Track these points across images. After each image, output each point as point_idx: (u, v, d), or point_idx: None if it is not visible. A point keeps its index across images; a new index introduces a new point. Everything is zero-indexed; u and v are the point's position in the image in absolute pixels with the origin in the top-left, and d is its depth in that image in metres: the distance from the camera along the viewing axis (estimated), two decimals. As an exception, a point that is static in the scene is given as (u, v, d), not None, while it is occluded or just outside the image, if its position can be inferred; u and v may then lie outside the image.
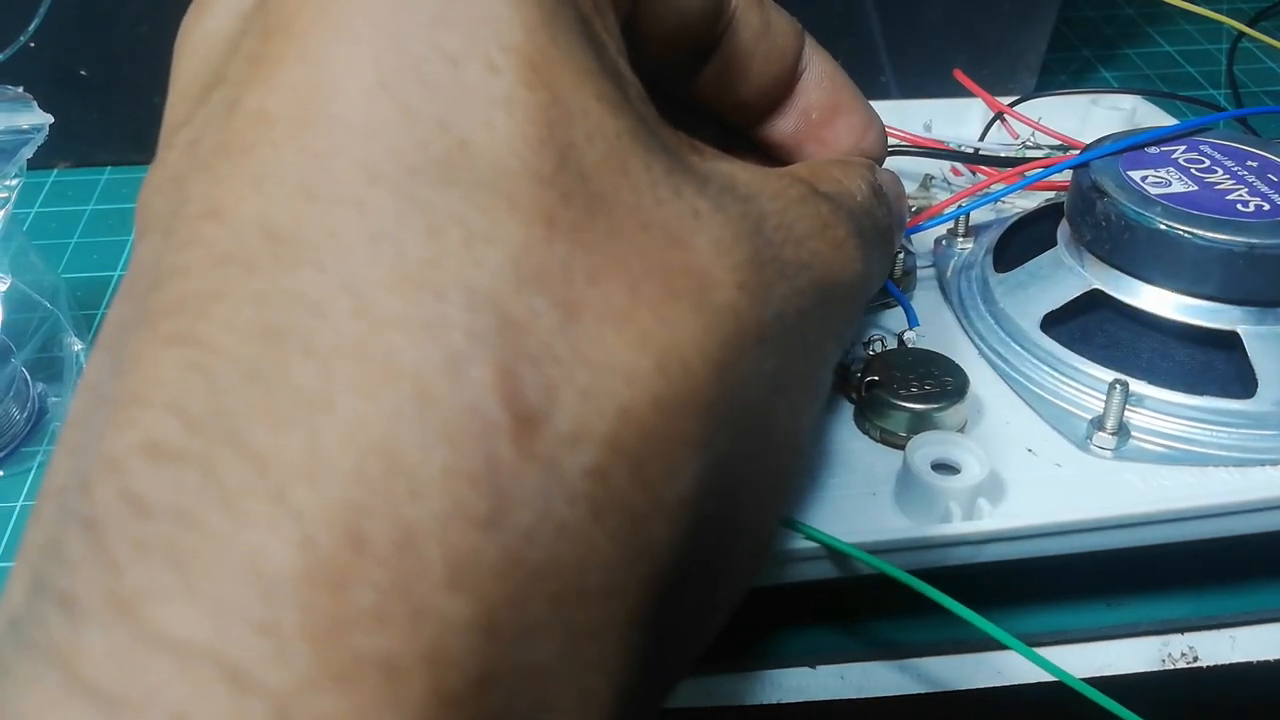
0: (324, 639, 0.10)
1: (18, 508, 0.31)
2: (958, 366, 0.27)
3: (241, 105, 0.13)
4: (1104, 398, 0.26)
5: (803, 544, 0.23)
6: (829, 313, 0.18)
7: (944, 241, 0.34)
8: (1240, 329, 0.27)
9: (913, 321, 0.30)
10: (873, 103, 0.25)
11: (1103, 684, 0.22)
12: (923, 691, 0.26)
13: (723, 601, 0.16)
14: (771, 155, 0.25)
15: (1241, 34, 0.43)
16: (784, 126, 0.24)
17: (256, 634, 0.10)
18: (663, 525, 0.13)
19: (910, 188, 0.36)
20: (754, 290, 0.15)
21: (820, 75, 0.23)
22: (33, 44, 0.41)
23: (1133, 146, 0.30)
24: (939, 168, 0.38)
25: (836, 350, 0.19)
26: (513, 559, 0.11)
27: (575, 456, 0.12)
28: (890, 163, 0.31)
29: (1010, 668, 0.26)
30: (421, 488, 0.11)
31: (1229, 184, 0.28)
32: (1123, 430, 0.26)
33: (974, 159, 0.37)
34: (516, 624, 0.11)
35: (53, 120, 0.33)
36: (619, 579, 0.13)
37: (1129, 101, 0.40)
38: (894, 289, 0.30)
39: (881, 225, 0.22)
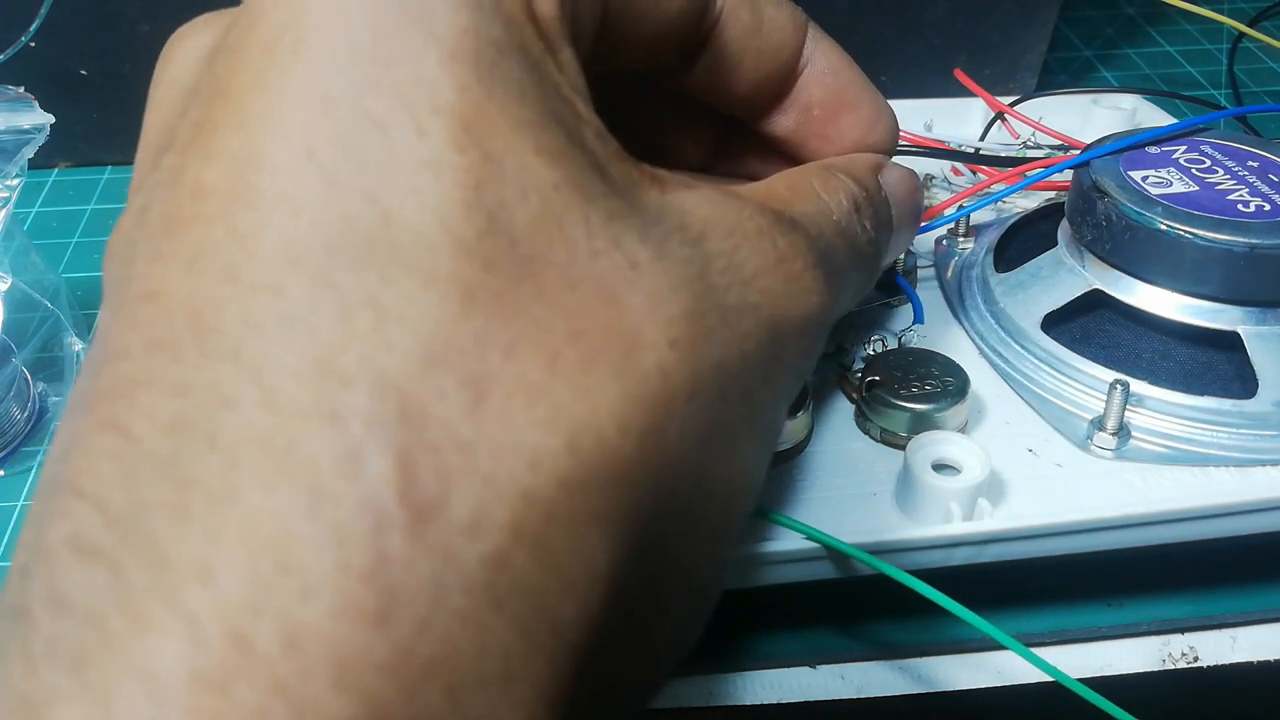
0: None
1: (18, 508, 0.31)
2: (958, 366, 0.27)
3: (184, 176, 0.13)
4: (1104, 398, 0.26)
5: (803, 544, 0.23)
6: (780, 350, 0.17)
7: (945, 241, 0.34)
8: (1241, 329, 0.27)
9: (918, 317, 0.30)
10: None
11: (1103, 684, 0.22)
12: (923, 691, 0.26)
13: (668, 647, 0.16)
14: (776, 149, 0.24)
15: (1242, 34, 0.43)
16: (785, 123, 0.23)
17: None
18: (572, 605, 0.13)
19: (911, 188, 0.36)
20: (688, 345, 0.14)
21: (824, 71, 0.22)
22: (33, 44, 0.41)
23: (1133, 146, 0.30)
24: (939, 168, 0.38)
25: (792, 383, 0.19)
26: (404, 653, 0.11)
27: (473, 545, 0.12)
28: (891, 163, 0.31)
29: (1010, 668, 0.26)
30: (312, 585, 0.11)
31: (1229, 184, 0.28)
32: (1123, 430, 0.26)
33: (974, 159, 0.37)
34: (407, 718, 0.11)
35: (53, 120, 0.33)
36: (523, 665, 0.12)
37: (1129, 101, 0.40)
38: (904, 283, 0.30)
39: (858, 243, 0.21)
